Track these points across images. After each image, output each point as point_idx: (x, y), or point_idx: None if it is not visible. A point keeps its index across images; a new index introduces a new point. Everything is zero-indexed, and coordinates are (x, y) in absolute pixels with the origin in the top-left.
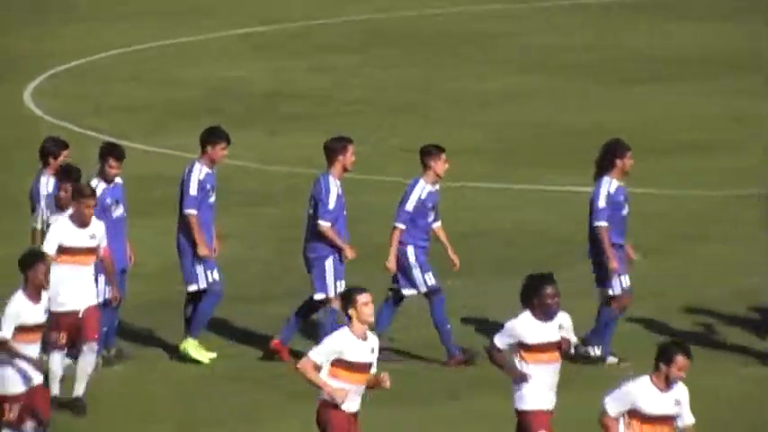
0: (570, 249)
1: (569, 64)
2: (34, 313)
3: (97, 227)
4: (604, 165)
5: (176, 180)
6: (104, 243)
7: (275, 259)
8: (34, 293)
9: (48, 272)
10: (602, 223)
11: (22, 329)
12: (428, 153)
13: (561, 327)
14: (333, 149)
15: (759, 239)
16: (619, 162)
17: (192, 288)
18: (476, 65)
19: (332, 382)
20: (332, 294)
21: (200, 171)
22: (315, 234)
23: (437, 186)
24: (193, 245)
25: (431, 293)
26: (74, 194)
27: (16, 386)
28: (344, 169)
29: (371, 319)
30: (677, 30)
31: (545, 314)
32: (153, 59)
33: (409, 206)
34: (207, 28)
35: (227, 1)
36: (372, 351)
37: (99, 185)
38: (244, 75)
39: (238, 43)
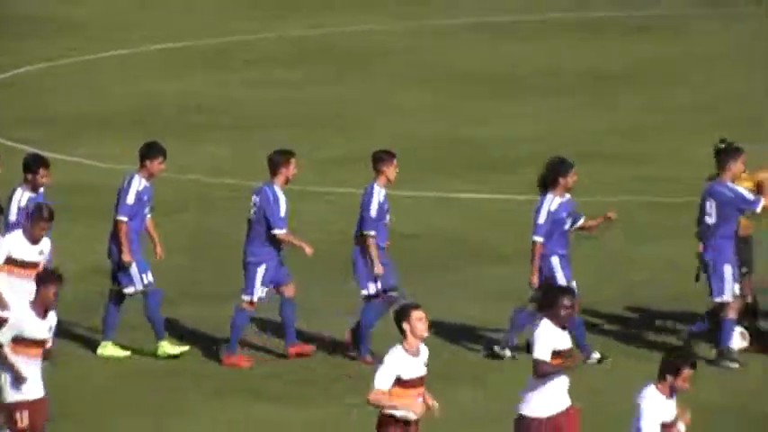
0: (470, 251)
1: (465, 79)
2: (38, 328)
3: (45, 243)
4: (548, 182)
5: (96, 189)
6: (48, 258)
7: (187, 264)
8: (41, 309)
9: (57, 294)
10: (538, 239)
11: (24, 342)
12: (380, 159)
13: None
14: (277, 162)
15: (650, 242)
16: (562, 180)
17: (130, 290)
18: (384, 80)
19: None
20: (254, 299)
21: (139, 183)
22: (255, 240)
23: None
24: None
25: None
26: (34, 214)
27: (26, 393)
28: (287, 180)
29: (425, 334)
30: (565, 46)
31: (560, 323)
32: (76, 73)
33: (373, 212)
34: (130, 43)
35: (150, 17)
36: (425, 364)
37: (24, 195)
38: (164, 88)
39: (160, 58)
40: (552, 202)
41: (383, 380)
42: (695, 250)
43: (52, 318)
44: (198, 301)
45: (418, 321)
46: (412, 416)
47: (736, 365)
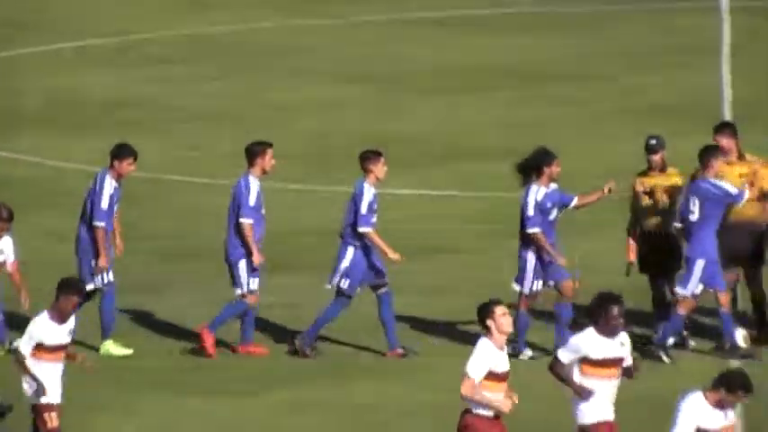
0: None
1: (377, 75)
2: (57, 334)
3: (6, 243)
4: (532, 172)
5: (18, 183)
6: (11, 258)
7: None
8: (58, 317)
9: (77, 306)
10: (536, 230)
11: (43, 348)
12: (368, 158)
13: (623, 344)
14: (253, 152)
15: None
16: (546, 170)
17: (90, 287)
18: (292, 76)
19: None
20: (245, 290)
21: (110, 185)
22: (233, 233)
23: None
24: (97, 252)
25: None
26: None
27: (55, 396)
28: (263, 171)
29: (510, 329)
30: (477, 43)
31: (609, 332)
32: None
33: (365, 209)
34: (45, 40)
35: (64, 14)
36: (507, 361)
37: None
38: (80, 84)
39: (75, 55)
40: (538, 192)
41: (476, 370)
42: (608, 245)
43: (71, 321)
44: (122, 295)
45: (502, 317)
46: (505, 409)
47: (668, 360)
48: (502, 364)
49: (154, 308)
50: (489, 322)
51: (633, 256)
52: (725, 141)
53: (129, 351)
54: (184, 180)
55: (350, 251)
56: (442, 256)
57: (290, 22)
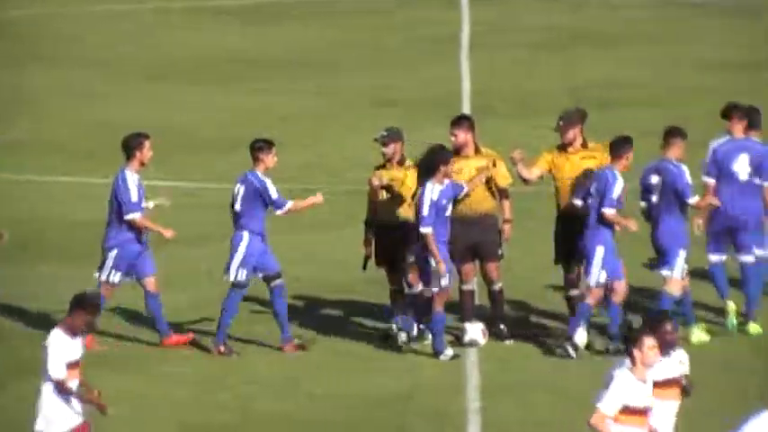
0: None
1: (137, 65)
2: (74, 349)
3: None
4: (428, 171)
5: None
6: None
7: None
8: (70, 332)
9: (89, 325)
10: (428, 230)
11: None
12: (259, 148)
13: (681, 362)
14: (130, 145)
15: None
16: (443, 168)
17: None
18: (59, 66)
19: (615, 429)
20: (104, 279)
21: None
22: (112, 224)
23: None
24: None
25: (236, 285)
26: None
27: (76, 420)
28: (141, 164)
29: (655, 362)
30: (233, 32)
31: (664, 349)
32: None
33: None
34: None
35: None
36: (650, 395)
37: None
38: None
39: None
40: (433, 190)
41: (609, 405)
42: (340, 239)
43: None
44: None
45: (650, 350)
46: None
47: (575, 355)
48: (641, 398)
49: None
50: (636, 353)
51: (370, 250)
52: (462, 135)
53: None
54: None
55: (245, 239)
56: (212, 244)
57: (58, 10)
